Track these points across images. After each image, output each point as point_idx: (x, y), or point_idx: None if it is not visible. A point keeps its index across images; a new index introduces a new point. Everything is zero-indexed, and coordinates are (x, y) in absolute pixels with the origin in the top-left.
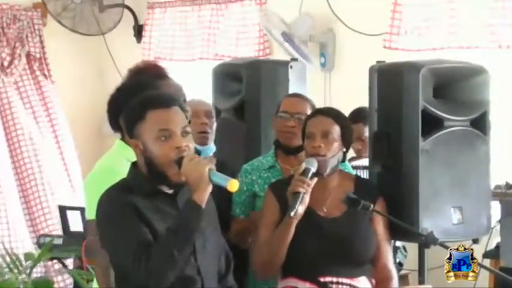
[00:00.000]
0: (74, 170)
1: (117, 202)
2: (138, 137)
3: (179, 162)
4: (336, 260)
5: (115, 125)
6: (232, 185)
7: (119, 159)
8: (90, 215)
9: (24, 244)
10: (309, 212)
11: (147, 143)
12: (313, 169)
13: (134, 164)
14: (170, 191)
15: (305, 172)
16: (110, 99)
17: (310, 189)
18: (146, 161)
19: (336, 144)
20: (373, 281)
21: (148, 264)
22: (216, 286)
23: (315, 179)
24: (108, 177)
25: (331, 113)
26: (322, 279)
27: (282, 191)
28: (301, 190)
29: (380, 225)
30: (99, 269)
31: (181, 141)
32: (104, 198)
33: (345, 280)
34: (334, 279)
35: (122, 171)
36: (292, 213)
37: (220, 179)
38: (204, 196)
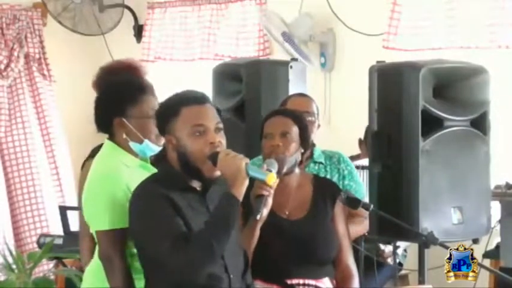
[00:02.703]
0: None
1: (153, 194)
2: (171, 132)
3: (213, 157)
4: (301, 262)
5: (105, 125)
6: (270, 177)
7: (114, 165)
8: (97, 226)
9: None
10: (272, 214)
11: (181, 138)
12: (274, 170)
13: (164, 160)
14: (199, 188)
15: None
16: (99, 99)
17: (272, 191)
18: (179, 157)
19: (294, 145)
20: (334, 282)
21: (188, 255)
22: (241, 284)
23: (277, 181)
24: (113, 187)
25: (289, 114)
26: (289, 282)
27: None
28: (265, 193)
29: (341, 225)
30: (118, 279)
31: (215, 137)
32: (138, 191)
33: (310, 282)
34: (301, 281)
35: (126, 180)
36: (258, 217)
37: (258, 172)
38: (242, 190)
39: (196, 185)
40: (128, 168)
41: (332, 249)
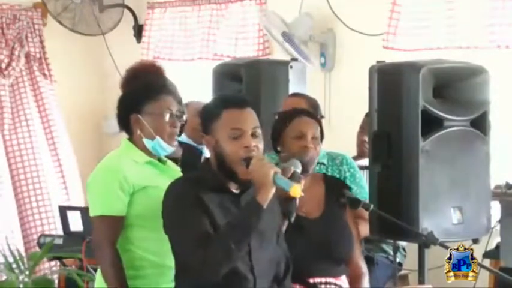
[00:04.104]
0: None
1: (184, 193)
2: (212, 133)
3: (247, 161)
4: (321, 260)
5: (124, 124)
6: (295, 190)
7: (123, 159)
8: (93, 211)
9: (15, 242)
10: None
11: (220, 140)
12: (299, 170)
13: (207, 160)
14: (237, 191)
15: (294, 175)
16: (121, 99)
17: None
18: (217, 157)
19: (319, 147)
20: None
21: (206, 254)
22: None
23: (303, 182)
24: (110, 175)
25: (314, 116)
26: (311, 281)
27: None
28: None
29: (351, 223)
30: (105, 265)
31: (251, 141)
32: (168, 189)
33: (331, 280)
34: (323, 280)
35: (125, 171)
36: (292, 219)
37: (284, 183)
38: (266, 197)
39: (233, 187)
40: (135, 163)
41: (350, 247)
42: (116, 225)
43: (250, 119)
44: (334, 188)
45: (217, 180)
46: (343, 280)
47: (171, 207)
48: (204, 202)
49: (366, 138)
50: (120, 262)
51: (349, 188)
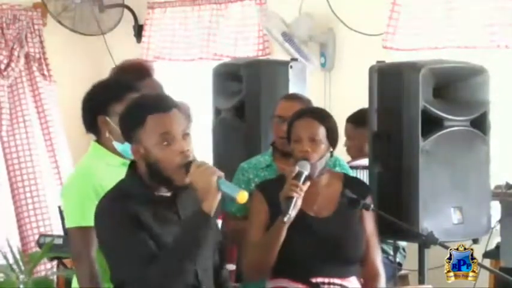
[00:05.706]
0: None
1: (115, 212)
2: (137, 142)
3: (187, 166)
4: (327, 260)
5: (89, 125)
6: (242, 196)
7: (95, 163)
8: (69, 223)
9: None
10: (300, 212)
11: (150, 148)
12: (306, 172)
13: (132, 168)
14: (168, 194)
15: (298, 176)
16: (85, 97)
17: (303, 194)
18: (149, 166)
19: (323, 146)
20: (361, 281)
21: (155, 274)
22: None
23: (308, 183)
24: (84, 184)
25: (316, 115)
26: (314, 280)
27: (271, 192)
28: (295, 195)
29: (369, 223)
30: (83, 278)
31: (184, 145)
32: (100, 209)
33: (336, 280)
34: (326, 280)
35: (100, 177)
36: (285, 219)
37: (230, 188)
38: (213, 204)
39: (164, 191)
40: (108, 167)
41: (360, 249)
42: (93, 236)
43: (178, 121)
44: (353, 188)
45: (147, 190)
46: (352, 281)
47: (104, 231)
48: (138, 216)
49: (349, 144)
50: (98, 274)
51: (370, 190)
